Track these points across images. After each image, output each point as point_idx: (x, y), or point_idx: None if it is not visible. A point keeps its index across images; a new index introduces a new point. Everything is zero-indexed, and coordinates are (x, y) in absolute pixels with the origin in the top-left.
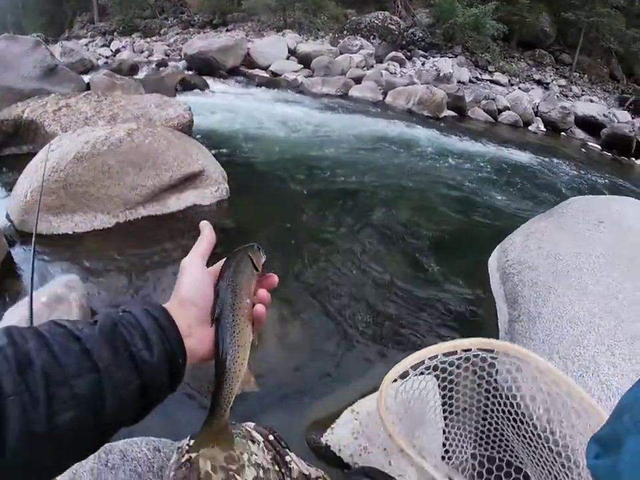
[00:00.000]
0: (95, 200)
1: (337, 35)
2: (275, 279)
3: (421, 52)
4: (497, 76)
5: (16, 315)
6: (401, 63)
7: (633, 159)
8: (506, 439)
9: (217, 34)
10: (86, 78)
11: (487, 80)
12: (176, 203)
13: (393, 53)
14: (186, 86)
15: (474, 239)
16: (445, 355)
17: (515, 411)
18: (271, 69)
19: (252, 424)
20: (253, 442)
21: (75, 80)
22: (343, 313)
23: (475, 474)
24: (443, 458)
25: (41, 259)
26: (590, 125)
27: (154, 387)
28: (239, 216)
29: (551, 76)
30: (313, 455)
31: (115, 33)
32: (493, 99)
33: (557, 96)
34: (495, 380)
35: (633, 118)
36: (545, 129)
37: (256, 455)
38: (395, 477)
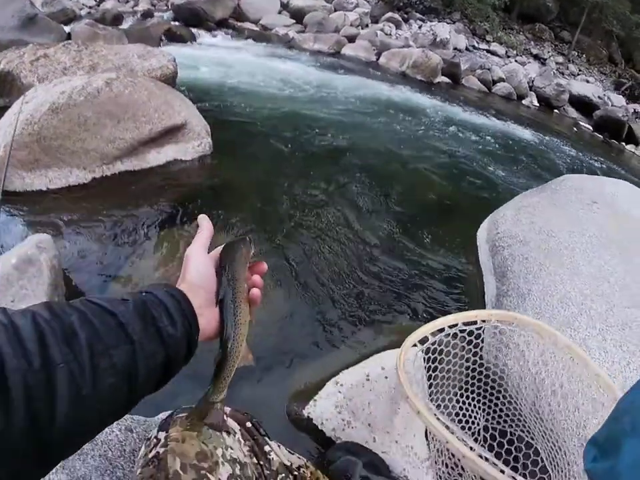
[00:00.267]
0: (71, 154)
1: None
2: (264, 266)
3: (418, 15)
4: (494, 46)
5: None
6: (397, 24)
7: (623, 143)
8: (519, 414)
9: None
10: (67, 28)
11: (483, 49)
12: (156, 157)
13: (390, 14)
14: (172, 37)
15: (463, 209)
16: (464, 324)
17: (524, 384)
18: (261, 22)
19: (227, 409)
20: (229, 433)
21: (56, 30)
22: (326, 280)
23: (487, 446)
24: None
25: (13, 218)
26: (583, 105)
27: (175, 360)
28: (221, 172)
29: (549, 52)
30: (293, 429)
31: None
32: (489, 69)
33: (554, 72)
34: (511, 352)
35: (627, 103)
36: (538, 104)
37: (231, 448)
38: (379, 453)
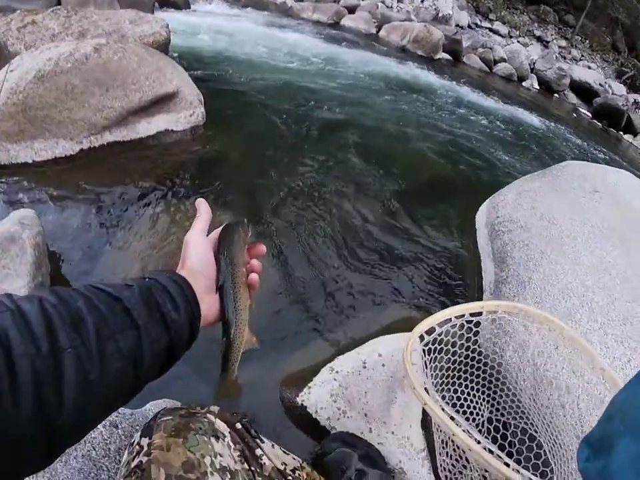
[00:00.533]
0: (57, 124)
1: None
2: (263, 248)
3: None
4: (497, 25)
5: None
6: None
7: (621, 133)
8: (522, 406)
9: None
10: None
11: (486, 28)
12: (146, 127)
13: None
14: (165, 3)
15: (461, 190)
16: (471, 314)
17: (528, 377)
18: None
19: (216, 408)
20: (217, 438)
21: None
22: (318, 260)
23: (490, 438)
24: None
25: None
26: (584, 91)
27: (179, 345)
28: (214, 144)
29: (552, 35)
30: (286, 417)
31: None
32: (490, 48)
33: (556, 56)
34: (517, 344)
35: (628, 92)
36: (538, 87)
37: (220, 455)
38: (375, 444)
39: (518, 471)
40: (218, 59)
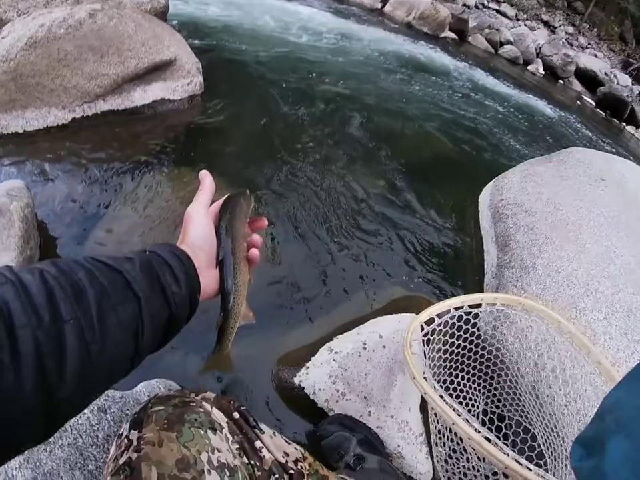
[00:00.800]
0: (49, 92)
1: None
2: (264, 222)
3: None
4: (505, 7)
5: None
6: None
7: (624, 123)
8: (518, 398)
9: None
10: None
11: (493, 9)
12: (141, 96)
13: None
14: None
15: (465, 170)
16: (470, 306)
17: (525, 369)
18: None
19: (212, 395)
20: (214, 430)
21: None
22: (316, 235)
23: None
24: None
25: None
26: (589, 80)
27: (178, 318)
28: (212, 114)
29: (560, 20)
30: (283, 397)
31: None
32: (497, 30)
33: (563, 42)
34: (514, 337)
35: (633, 84)
36: (543, 72)
37: (219, 450)
38: (374, 428)
39: (517, 461)
40: (223, 29)
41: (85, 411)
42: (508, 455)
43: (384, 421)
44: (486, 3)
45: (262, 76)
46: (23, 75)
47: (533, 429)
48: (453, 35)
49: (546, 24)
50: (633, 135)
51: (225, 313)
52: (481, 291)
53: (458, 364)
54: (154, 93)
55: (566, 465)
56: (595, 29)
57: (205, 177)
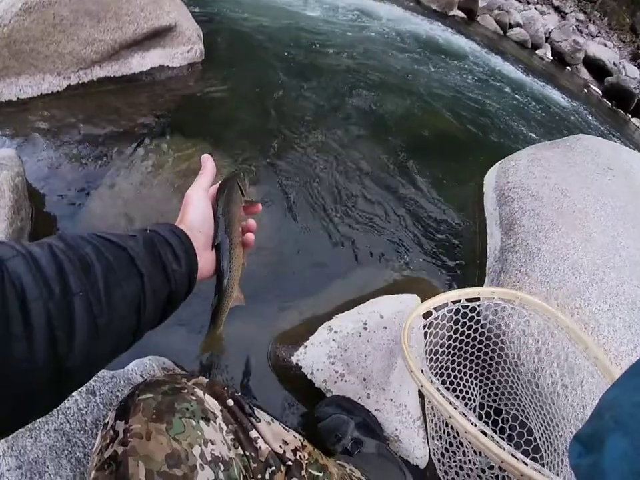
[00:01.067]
0: (44, 59)
1: None
2: (259, 207)
3: None
4: None
5: None
6: None
7: (629, 115)
8: (514, 392)
9: None
10: None
11: None
12: (139, 62)
13: None
14: None
15: (469, 150)
16: (467, 300)
17: (522, 363)
18: None
19: (204, 380)
20: (207, 420)
21: None
22: (318, 211)
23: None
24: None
25: None
26: (596, 69)
27: (177, 295)
28: (212, 82)
29: (571, 6)
30: (279, 376)
31: None
32: (507, 12)
33: (573, 28)
34: (511, 331)
35: None
36: (551, 58)
37: (212, 443)
38: (372, 410)
39: (514, 455)
40: None
41: (73, 393)
42: (504, 449)
43: (382, 404)
44: None
45: (266, 46)
46: (17, 41)
47: (530, 422)
48: (461, 14)
49: (557, 9)
50: (638, 127)
51: (219, 294)
52: (483, 273)
53: (455, 357)
54: (152, 60)
55: (562, 460)
56: (606, 18)
57: (207, 160)
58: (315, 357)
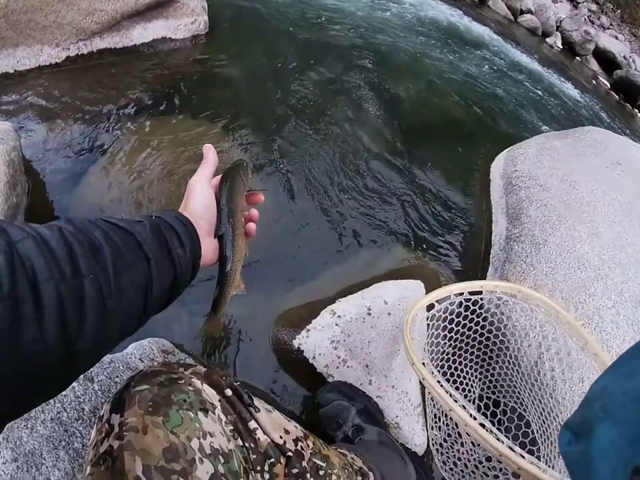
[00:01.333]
0: (42, 29)
1: None
2: (261, 197)
3: None
4: None
5: None
6: None
7: (636, 110)
8: (514, 385)
9: None
10: None
11: None
12: (141, 34)
13: None
14: None
15: (476, 136)
16: (470, 293)
17: (523, 356)
18: None
19: (202, 369)
20: (206, 412)
21: None
22: (321, 191)
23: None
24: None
25: None
26: (606, 61)
27: (182, 280)
28: (216, 56)
29: None
30: (280, 359)
31: None
32: None
33: (584, 19)
34: (512, 325)
35: None
36: (561, 47)
37: (211, 435)
38: (374, 397)
39: (511, 449)
40: None
41: None
42: (503, 443)
43: (384, 391)
44: None
45: (272, 20)
46: (15, 12)
47: (528, 415)
48: None
49: None
50: None
51: (221, 283)
52: (487, 262)
53: (456, 349)
54: (155, 31)
55: (558, 453)
56: (619, 11)
57: (209, 150)
58: (317, 341)
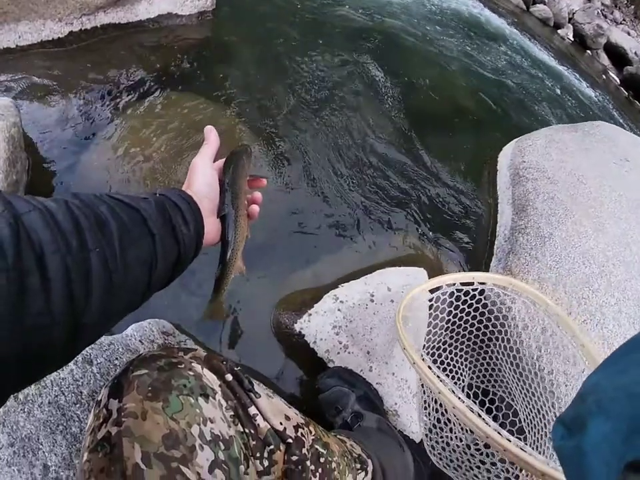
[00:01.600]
0: (45, 4)
1: None
2: (264, 182)
3: None
4: None
5: None
6: None
7: None
8: (502, 375)
9: None
10: None
11: None
12: (146, 9)
13: None
14: None
15: (484, 125)
16: (462, 284)
17: (512, 347)
18: None
19: (202, 353)
20: (207, 397)
21: None
22: (326, 173)
23: None
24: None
25: None
26: (617, 56)
27: (185, 258)
28: (222, 33)
29: None
30: (280, 343)
31: None
32: None
33: (597, 12)
34: (502, 316)
35: None
36: (572, 39)
37: (211, 421)
38: (374, 384)
39: (499, 432)
40: None
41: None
42: (490, 426)
43: (384, 378)
44: None
45: None
46: None
47: (515, 404)
48: None
49: None
50: None
51: (223, 264)
52: (491, 252)
53: (447, 338)
54: (160, 7)
55: (544, 441)
56: (633, 6)
57: (210, 132)
58: (319, 326)
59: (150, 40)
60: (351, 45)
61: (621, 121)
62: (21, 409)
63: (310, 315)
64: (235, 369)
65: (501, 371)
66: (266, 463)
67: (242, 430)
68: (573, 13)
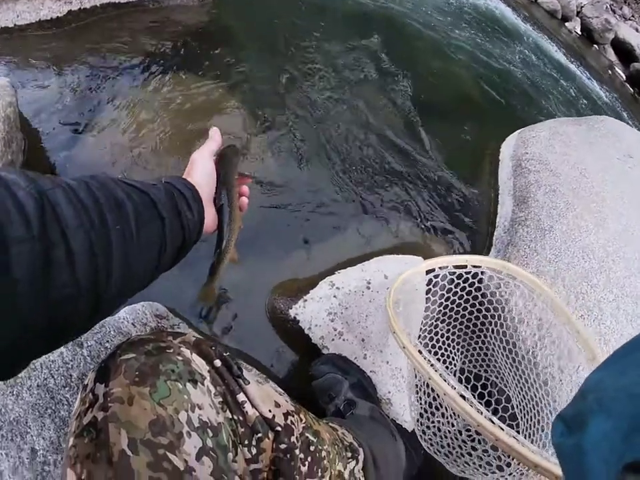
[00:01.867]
0: None
1: None
2: (249, 179)
3: None
4: None
5: None
6: None
7: None
8: (495, 360)
9: None
10: None
11: None
12: None
13: None
14: None
15: (487, 115)
16: (455, 267)
17: (506, 332)
18: None
19: (191, 338)
20: (195, 383)
21: None
22: (324, 158)
23: None
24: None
25: None
26: (624, 52)
27: (188, 242)
28: (224, 16)
29: None
30: (275, 328)
31: None
32: None
33: (606, 7)
34: (496, 300)
35: None
36: (579, 33)
37: (200, 407)
38: (368, 371)
39: (491, 420)
40: None
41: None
42: (482, 413)
43: (378, 366)
44: None
45: None
46: None
47: (508, 390)
48: None
49: None
50: None
51: (219, 253)
52: (490, 243)
53: (439, 322)
54: None
55: (537, 429)
56: None
57: (215, 132)
58: (314, 312)
59: (150, 20)
60: (357, 31)
61: (627, 117)
62: (10, 392)
63: (305, 300)
64: (224, 354)
65: (494, 356)
66: (254, 451)
67: (230, 417)
68: (582, 7)
